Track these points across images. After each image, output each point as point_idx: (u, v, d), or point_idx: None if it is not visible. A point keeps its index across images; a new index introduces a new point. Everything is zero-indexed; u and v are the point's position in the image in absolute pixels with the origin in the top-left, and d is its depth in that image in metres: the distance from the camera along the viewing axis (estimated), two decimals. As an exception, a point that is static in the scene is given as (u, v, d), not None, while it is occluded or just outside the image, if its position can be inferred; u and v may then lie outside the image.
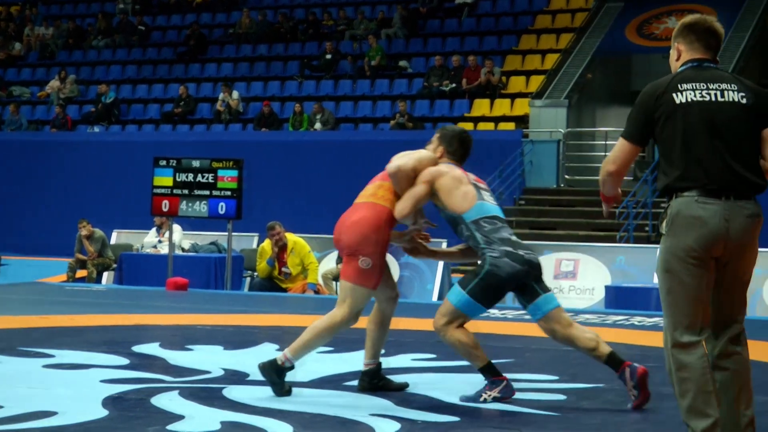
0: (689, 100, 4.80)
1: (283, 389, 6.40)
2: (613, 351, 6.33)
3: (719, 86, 4.84)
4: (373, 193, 6.57)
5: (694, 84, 4.84)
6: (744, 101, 4.81)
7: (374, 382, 6.67)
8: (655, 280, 14.08)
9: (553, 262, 14.92)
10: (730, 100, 4.81)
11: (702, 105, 4.80)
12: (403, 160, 6.53)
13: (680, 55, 5.00)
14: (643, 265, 14.66)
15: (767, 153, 4.85)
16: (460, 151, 6.89)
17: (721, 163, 4.77)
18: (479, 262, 6.49)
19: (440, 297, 15.12)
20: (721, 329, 4.90)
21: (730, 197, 4.77)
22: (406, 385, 6.76)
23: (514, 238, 6.52)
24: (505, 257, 6.37)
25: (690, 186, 4.79)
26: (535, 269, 6.45)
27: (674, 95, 4.82)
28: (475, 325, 8.77)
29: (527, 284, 6.43)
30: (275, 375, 6.40)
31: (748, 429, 4.87)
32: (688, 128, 4.79)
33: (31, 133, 25.44)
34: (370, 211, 6.48)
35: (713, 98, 4.81)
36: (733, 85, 4.85)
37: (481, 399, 6.32)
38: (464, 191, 6.61)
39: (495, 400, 6.30)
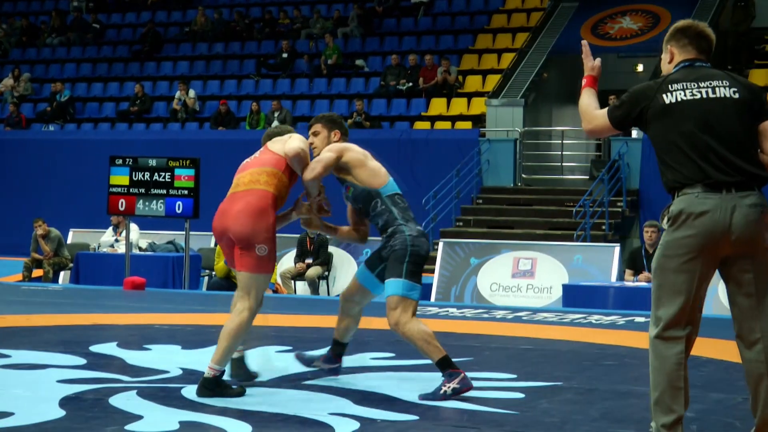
0: (679, 99, 4.91)
1: (233, 391, 6.36)
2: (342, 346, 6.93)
3: (710, 83, 4.94)
4: (255, 180, 6.38)
5: (684, 83, 4.95)
6: (736, 96, 4.91)
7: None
8: (613, 278, 14.25)
9: (511, 260, 14.98)
10: (722, 95, 4.91)
11: (693, 103, 4.90)
12: (298, 143, 6.47)
13: (672, 57, 5.10)
14: (601, 263, 14.76)
15: (765, 146, 4.93)
16: (348, 132, 6.91)
17: (717, 158, 4.85)
18: (392, 241, 6.51)
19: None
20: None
21: (731, 190, 4.84)
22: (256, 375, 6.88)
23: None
24: (422, 237, 6.54)
25: (689, 183, 4.86)
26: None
27: (663, 96, 4.93)
28: (433, 323, 8.80)
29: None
30: (215, 388, 6.28)
31: None
32: (681, 127, 4.89)
33: (-15, 131, 25.23)
34: (254, 197, 6.33)
35: (704, 95, 4.91)
36: (724, 81, 4.94)
37: (441, 392, 6.34)
38: (375, 165, 6.68)
39: (455, 392, 6.32)
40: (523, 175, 21.21)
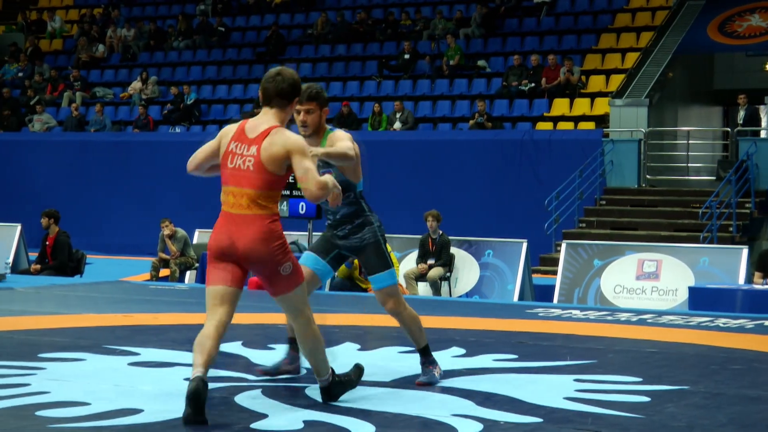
0: None
1: (355, 378, 6.44)
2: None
3: None
4: (253, 203, 6.00)
5: None
6: None
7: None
8: (741, 281, 13.96)
9: (635, 262, 14.78)
10: None
11: None
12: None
13: None
14: (728, 266, 14.47)
15: None
16: None
17: None
18: (361, 232, 6.78)
19: (521, 297, 15.04)
20: None
21: None
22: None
23: None
24: (382, 225, 6.90)
25: None
26: None
27: None
28: (556, 325, 8.69)
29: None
30: (339, 388, 6.25)
31: None
32: None
33: (115, 133, 25.76)
34: (262, 223, 5.92)
35: None
36: None
37: (438, 375, 6.85)
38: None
39: (441, 377, 6.85)
40: (648, 176, 20.93)
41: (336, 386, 6.24)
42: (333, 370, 6.25)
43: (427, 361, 6.93)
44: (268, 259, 5.87)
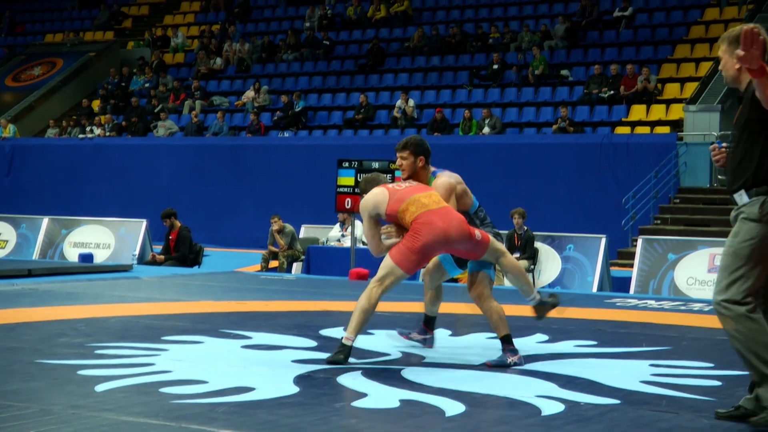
0: None
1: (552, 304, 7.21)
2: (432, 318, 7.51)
3: None
4: (441, 199, 6.98)
5: None
6: None
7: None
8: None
9: (707, 256, 14.54)
10: None
11: None
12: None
13: None
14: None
15: None
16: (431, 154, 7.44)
17: None
18: None
19: (600, 288, 14.90)
20: None
21: None
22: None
23: None
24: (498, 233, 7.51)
25: None
26: None
27: None
28: (633, 314, 8.59)
29: None
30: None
31: None
32: None
33: (230, 138, 26.05)
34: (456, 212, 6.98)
35: None
36: None
37: (509, 362, 6.88)
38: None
39: (515, 364, 6.85)
40: (719, 177, 20.56)
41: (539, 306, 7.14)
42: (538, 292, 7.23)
43: (507, 348, 6.97)
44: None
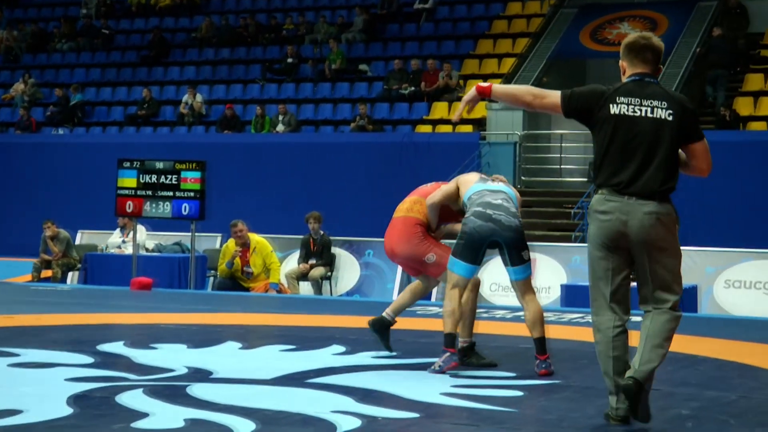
0: (621, 113, 5.50)
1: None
2: (543, 338, 7.33)
3: (651, 103, 5.50)
4: (409, 208, 7.88)
5: (629, 98, 5.51)
6: (670, 118, 5.47)
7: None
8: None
9: (510, 261, 14.92)
10: (657, 117, 5.48)
11: (630, 119, 5.49)
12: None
13: (624, 71, 5.68)
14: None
15: (693, 163, 5.61)
16: None
17: (632, 169, 5.46)
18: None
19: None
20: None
21: (632, 197, 5.45)
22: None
23: None
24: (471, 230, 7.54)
25: (604, 184, 5.53)
26: None
27: (611, 105, 5.52)
28: (434, 324, 8.76)
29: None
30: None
31: None
32: (615, 137, 5.50)
33: (-4, 135, 25.26)
34: (403, 225, 7.79)
35: (642, 114, 5.48)
36: (663, 103, 5.50)
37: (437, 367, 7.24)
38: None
39: (440, 369, 7.19)
40: (523, 177, 21.18)
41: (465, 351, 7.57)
42: (472, 342, 7.72)
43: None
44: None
